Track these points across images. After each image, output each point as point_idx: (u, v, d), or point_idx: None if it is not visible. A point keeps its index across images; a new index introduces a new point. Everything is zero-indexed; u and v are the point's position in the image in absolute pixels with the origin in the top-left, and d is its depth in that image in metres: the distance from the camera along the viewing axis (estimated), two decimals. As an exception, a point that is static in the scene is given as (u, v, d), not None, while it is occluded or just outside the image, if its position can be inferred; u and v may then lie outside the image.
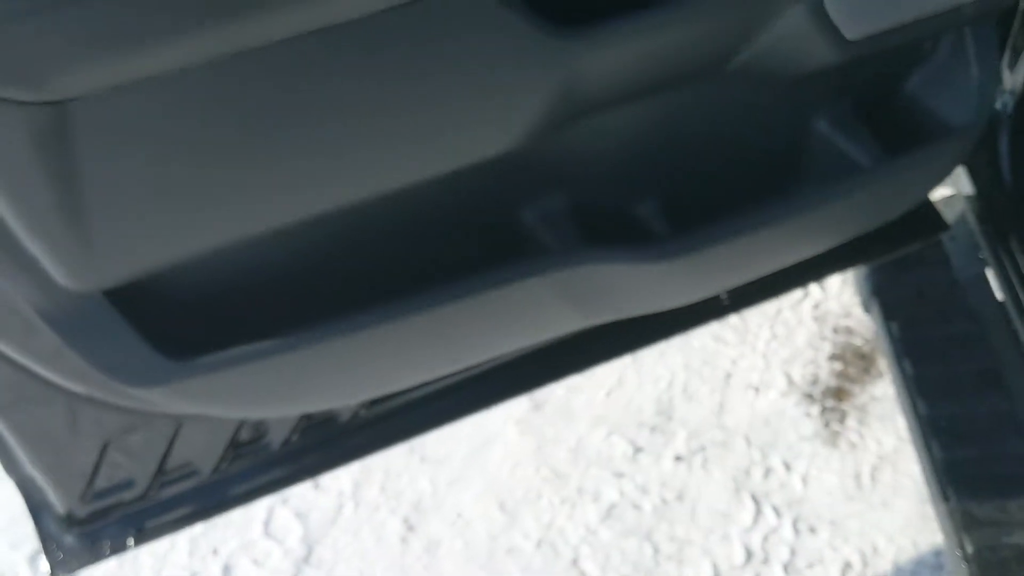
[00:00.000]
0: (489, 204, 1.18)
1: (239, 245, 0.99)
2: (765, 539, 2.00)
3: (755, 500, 2.06)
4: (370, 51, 0.90)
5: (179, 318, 1.08)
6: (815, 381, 2.24)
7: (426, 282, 1.10)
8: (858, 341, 2.29)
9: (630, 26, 0.98)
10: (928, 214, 1.66)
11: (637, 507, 2.08)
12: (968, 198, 1.71)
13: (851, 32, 1.13)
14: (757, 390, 2.25)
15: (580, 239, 1.18)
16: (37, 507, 1.30)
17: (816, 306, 2.39)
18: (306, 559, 2.10)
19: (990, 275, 1.67)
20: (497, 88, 0.98)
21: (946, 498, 1.51)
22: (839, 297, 2.38)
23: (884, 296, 1.78)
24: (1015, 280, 1.56)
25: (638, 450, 2.18)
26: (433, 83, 0.95)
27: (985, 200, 1.63)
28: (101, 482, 1.29)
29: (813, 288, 2.41)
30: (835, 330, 2.33)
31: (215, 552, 2.13)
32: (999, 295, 1.62)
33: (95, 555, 1.34)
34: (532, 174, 1.17)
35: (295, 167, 0.94)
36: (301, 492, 2.19)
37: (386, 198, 1.03)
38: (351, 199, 1.00)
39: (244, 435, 1.34)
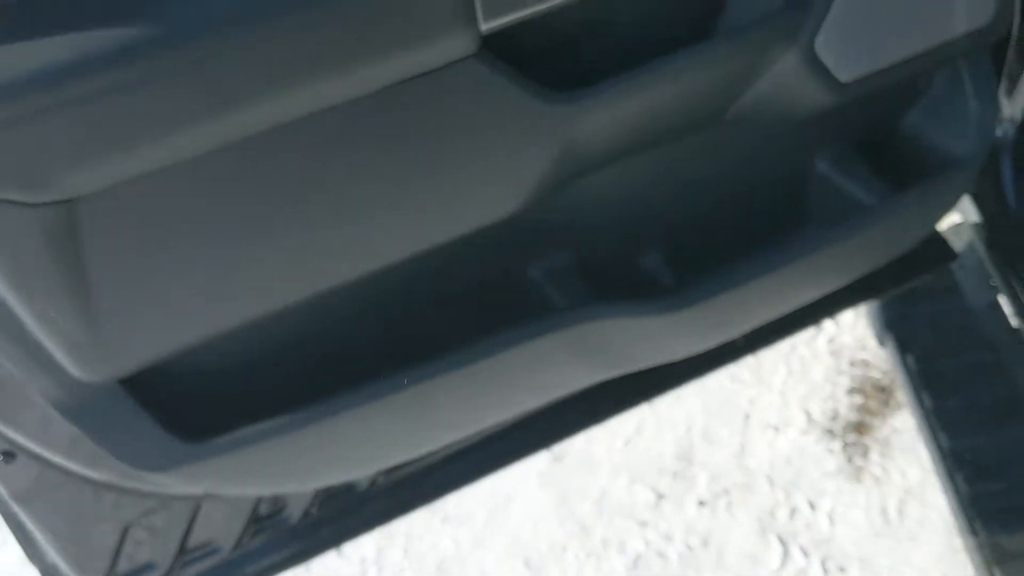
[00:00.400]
0: (495, 265, 1.18)
1: (248, 325, 0.99)
2: (795, 581, 1.97)
3: (782, 541, 2.03)
4: (371, 127, 0.91)
5: (191, 399, 1.08)
6: (835, 416, 2.22)
7: (436, 346, 1.10)
8: (876, 374, 2.27)
9: (625, 85, 0.99)
10: (936, 244, 1.66)
11: (663, 556, 2.06)
12: (975, 226, 1.70)
13: (844, 75, 1.14)
14: (777, 429, 2.23)
15: (588, 295, 1.18)
16: (61, 594, 1.30)
17: (831, 340, 2.37)
18: (333, 627, 2.08)
19: (1003, 302, 1.66)
20: (500, 156, 0.98)
21: (975, 532, 1.49)
22: (853, 330, 2.37)
23: (898, 329, 1.77)
24: (1028, 306, 1.56)
25: (661, 497, 2.16)
26: (435, 155, 0.96)
27: (992, 227, 1.63)
28: (123, 565, 1.29)
29: (826, 322, 2.40)
30: (851, 363, 2.31)
31: (241, 625, 2.11)
32: (1013, 322, 1.62)
33: (120, 638, 1.33)
34: (536, 233, 1.18)
35: (303, 246, 0.94)
36: (324, 560, 2.17)
37: (393, 267, 1.03)
38: (360, 272, 1.00)
39: (263, 510, 1.34)
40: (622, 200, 1.21)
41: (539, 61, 0.98)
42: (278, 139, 0.87)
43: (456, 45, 0.87)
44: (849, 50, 1.12)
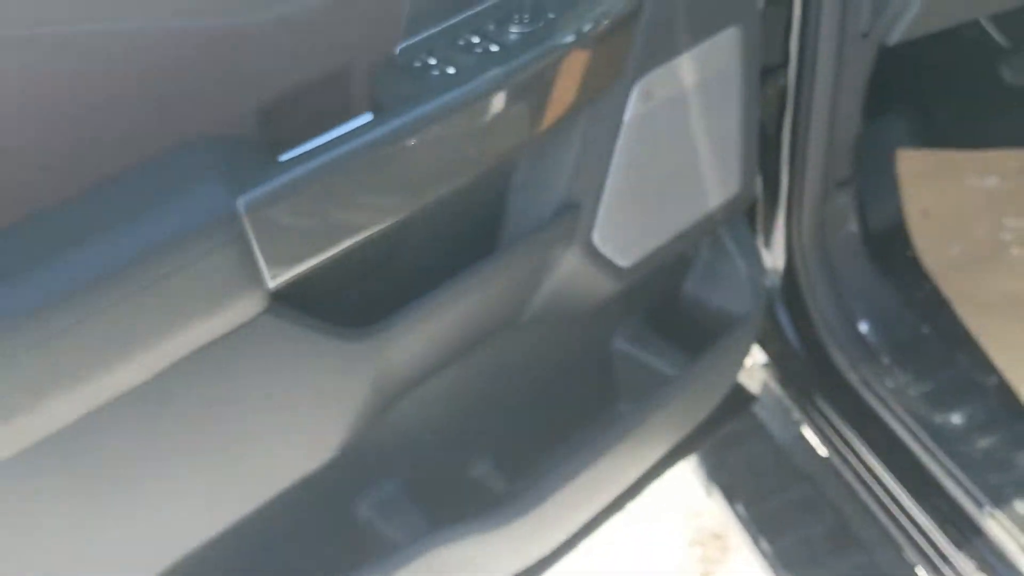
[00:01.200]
0: (322, 512, 1.13)
1: None
2: None
3: None
4: (172, 400, 0.86)
5: None
6: (681, 574, 2.23)
7: None
8: (709, 522, 2.31)
9: (420, 311, 1.00)
10: (735, 391, 1.74)
11: None
12: (765, 366, 1.80)
13: (624, 261, 1.20)
14: (629, 597, 2.21)
15: (423, 522, 1.15)
16: None
17: (661, 498, 2.40)
18: None
19: (807, 434, 1.74)
20: (310, 402, 0.96)
21: (841, 665, 1.51)
22: (679, 485, 2.41)
23: (720, 478, 1.82)
24: (831, 434, 1.64)
25: None
26: (245, 414, 0.92)
27: (781, 366, 1.73)
28: None
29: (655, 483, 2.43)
30: (685, 516, 2.35)
31: None
32: (822, 451, 1.70)
33: None
34: (359, 468, 1.14)
35: (120, 536, 0.87)
36: None
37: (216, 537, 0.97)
38: (184, 551, 0.93)
39: None
40: (439, 416, 1.20)
41: (336, 299, 0.98)
42: (78, 435, 0.81)
43: (245, 307, 0.84)
44: (624, 238, 1.18)
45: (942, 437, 1.45)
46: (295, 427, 0.97)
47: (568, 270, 1.14)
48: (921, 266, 1.75)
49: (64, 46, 0.81)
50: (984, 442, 1.44)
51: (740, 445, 1.83)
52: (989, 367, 1.53)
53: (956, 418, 1.48)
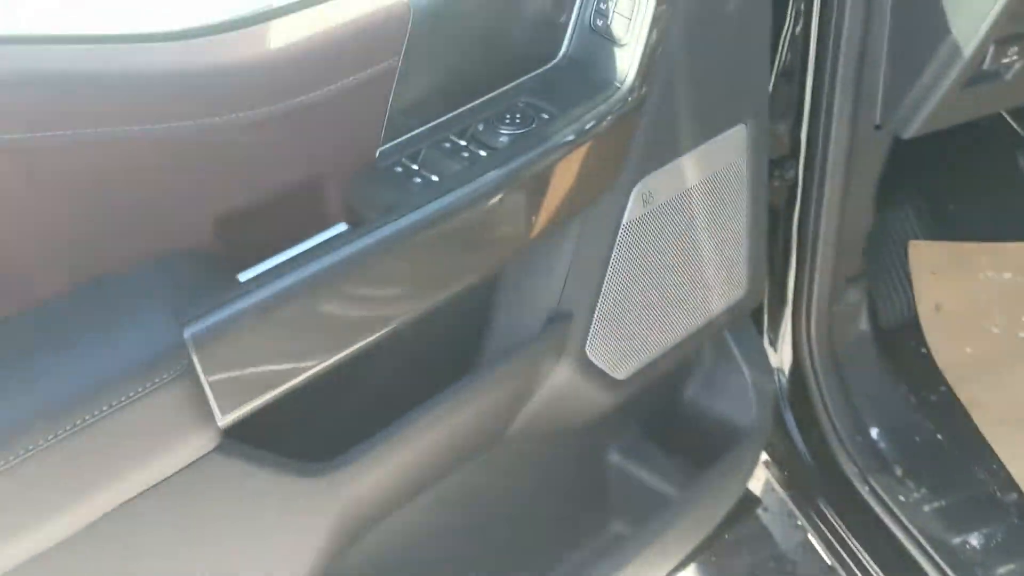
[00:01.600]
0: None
1: None
2: None
3: None
4: (127, 539, 0.78)
5: None
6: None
7: None
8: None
9: (391, 439, 0.91)
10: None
11: None
12: (767, 464, 1.71)
13: (620, 373, 1.11)
14: None
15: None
16: None
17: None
18: None
19: (813, 540, 1.64)
20: (272, 539, 0.87)
21: None
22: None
23: (720, 587, 1.71)
24: (838, 545, 1.54)
25: None
26: (204, 551, 0.83)
27: (786, 469, 1.63)
28: None
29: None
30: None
31: None
32: (827, 560, 1.59)
33: None
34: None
35: None
36: None
37: None
38: None
39: None
40: (414, 541, 1.11)
41: (298, 427, 0.89)
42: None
43: (194, 445, 0.75)
44: (620, 348, 1.10)
45: (958, 560, 1.34)
46: (253, 568, 0.87)
47: (559, 384, 1.06)
48: (936, 365, 1.65)
49: (13, 154, 0.73)
50: (1004, 568, 1.34)
51: (741, 550, 1.73)
52: (1010, 482, 1.43)
53: (974, 539, 1.37)
